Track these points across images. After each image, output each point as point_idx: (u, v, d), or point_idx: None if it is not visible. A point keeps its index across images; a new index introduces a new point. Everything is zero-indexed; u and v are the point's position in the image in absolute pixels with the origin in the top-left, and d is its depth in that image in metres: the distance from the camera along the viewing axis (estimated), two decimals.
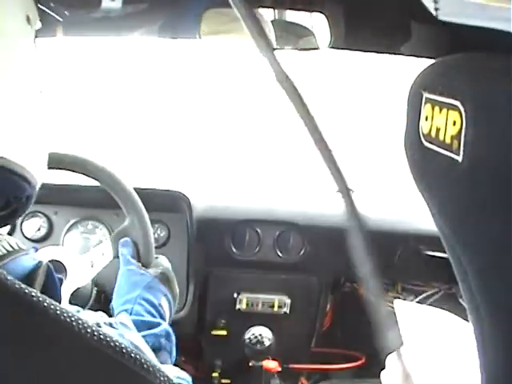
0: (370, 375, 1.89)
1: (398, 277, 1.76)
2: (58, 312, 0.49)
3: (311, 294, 1.76)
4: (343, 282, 1.84)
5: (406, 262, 1.66)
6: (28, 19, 0.64)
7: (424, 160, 0.51)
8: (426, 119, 0.49)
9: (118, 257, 1.24)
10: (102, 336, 0.50)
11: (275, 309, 1.74)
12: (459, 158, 0.46)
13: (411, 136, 0.51)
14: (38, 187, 0.65)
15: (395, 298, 1.76)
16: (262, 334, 1.60)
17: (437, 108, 0.48)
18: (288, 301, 1.73)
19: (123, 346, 0.51)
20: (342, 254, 1.75)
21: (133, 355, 0.51)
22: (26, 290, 0.49)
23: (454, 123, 0.46)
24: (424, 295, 1.68)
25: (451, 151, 0.47)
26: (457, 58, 0.50)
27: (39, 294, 0.50)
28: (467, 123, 0.45)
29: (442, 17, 0.96)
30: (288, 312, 1.74)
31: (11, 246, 0.63)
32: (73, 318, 0.49)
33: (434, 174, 0.50)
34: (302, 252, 1.70)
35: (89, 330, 0.49)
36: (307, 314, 1.78)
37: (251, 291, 1.74)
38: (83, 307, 1.35)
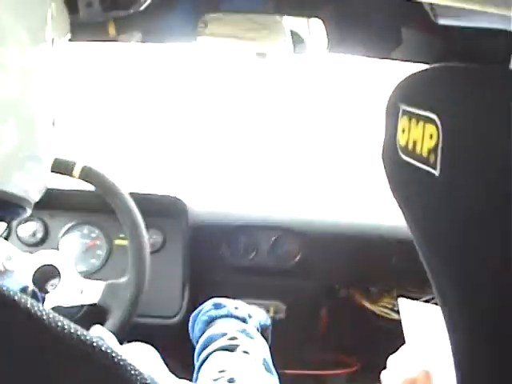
0: (366, 380, 1.89)
1: (394, 283, 1.76)
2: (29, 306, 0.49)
3: (307, 300, 1.75)
4: (338, 288, 1.83)
5: (402, 268, 1.66)
6: (52, 41, 0.64)
7: (401, 173, 0.50)
8: (403, 132, 0.49)
9: (101, 305, 1.27)
10: (72, 330, 0.50)
11: (271, 314, 1.73)
12: (436, 172, 0.46)
13: (388, 148, 0.51)
14: (32, 205, 0.66)
15: (390, 303, 1.76)
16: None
17: (413, 120, 0.48)
18: (283, 307, 1.73)
19: (93, 339, 0.51)
20: (337, 260, 1.76)
21: (103, 348, 0.51)
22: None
23: (431, 136, 0.46)
24: (419, 301, 1.68)
25: (428, 165, 0.46)
26: (435, 69, 0.49)
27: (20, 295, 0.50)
28: (443, 137, 0.45)
29: (441, 20, 0.96)
30: (283, 318, 1.74)
31: None
32: (44, 312, 0.50)
33: (411, 187, 0.50)
34: (297, 258, 1.70)
35: (56, 320, 0.50)
36: (303, 320, 1.78)
37: (246, 297, 1.73)
38: (76, 314, 1.36)
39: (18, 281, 0.66)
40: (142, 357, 0.57)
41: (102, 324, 1.24)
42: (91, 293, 1.29)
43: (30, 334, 0.50)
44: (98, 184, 1.34)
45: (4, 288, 0.50)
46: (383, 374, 0.89)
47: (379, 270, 1.70)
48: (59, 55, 0.66)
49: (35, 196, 0.66)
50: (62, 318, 0.51)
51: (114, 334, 1.19)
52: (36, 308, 0.50)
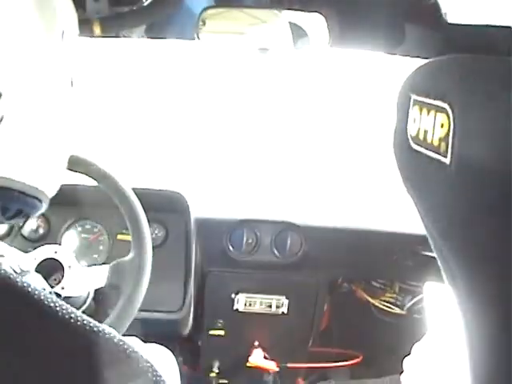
0: (368, 374, 1.90)
1: (396, 277, 1.77)
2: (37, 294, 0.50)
3: (309, 295, 1.76)
4: (341, 282, 1.84)
5: (404, 262, 1.66)
6: (62, 34, 0.63)
7: (412, 162, 0.50)
8: (414, 121, 0.49)
9: (110, 286, 1.26)
10: (85, 321, 0.51)
11: (273, 309, 1.74)
12: (447, 161, 0.46)
13: (399, 138, 0.51)
14: (49, 200, 0.66)
15: (392, 298, 1.77)
16: None
17: (424, 110, 0.48)
18: (286, 301, 1.74)
19: (101, 327, 0.52)
20: (339, 255, 1.77)
21: (110, 336, 0.52)
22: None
23: (442, 125, 0.46)
24: (421, 296, 1.68)
25: (439, 154, 0.46)
26: (445, 59, 0.49)
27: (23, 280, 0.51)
28: (455, 125, 0.45)
29: (451, 19, 0.96)
30: (286, 312, 1.74)
31: None
32: (57, 304, 0.51)
33: (422, 177, 0.50)
34: (299, 252, 1.70)
35: (69, 311, 0.51)
36: (305, 314, 1.78)
37: (249, 291, 1.74)
38: (80, 307, 1.36)
39: None
40: (156, 359, 0.58)
41: (114, 304, 1.24)
42: (97, 277, 1.29)
43: (41, 324, 0.51)
44: (87, 171, 1.33)
45: (17, 280, 0.51)
46: (406, 361, 0.89)
47: (381, 264, 1.71)
48: (70, 48, 0.66)
49: (52, 188, 0.66)
50: (72, 308, 0.52)
51: (127, 310, 1.20)
52: (49, 299, 0.51)
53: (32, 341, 0.49)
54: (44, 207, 0.65)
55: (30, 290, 0.52)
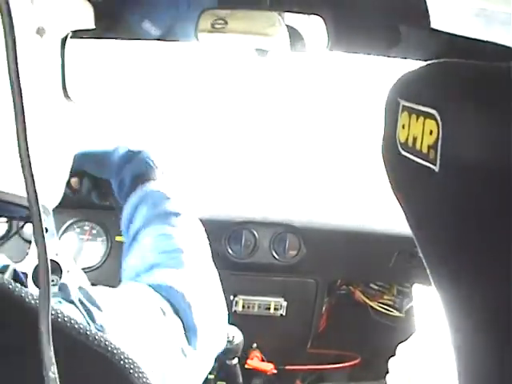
0: (366, 377, 1.90)
1: (394, 279, 1.76)
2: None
3: (307, 296, 1.75)
4: (339, 284, 1.84)
5: (402, 265, 1.66)
6: (39, 30, 0.63)
7: (401, 169, 0.50)
8: (403, 127, 0.49)
9: None
10: (88, 332, 0.51)
11: (271, 311, 1.74)
12: (436, 168, 0.45)
13: (388, 144, 0.51)
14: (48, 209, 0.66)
15: (390, 300, 1.77)
16: (229, 332, 1.56)
17: (413, 116, 0.48)
18: (284, 303, 1.74)
19: (98, 333, 0.52)
20: (338, 257, 1.76)
21: (107, 343, 0.52)
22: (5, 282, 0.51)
23: (431, 132, 0.46)
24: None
25: (428, 161, 0.46)
26: (435, 65, 0.49)
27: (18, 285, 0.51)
28: (443, 132, 0.45)
29: (434, 25, 0.96)
30: (284, 314, 1.74)
31: None
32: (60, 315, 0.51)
33: (411, 183, 0.50)
34: (298, 254, 1.70)
35: (72, 322, 0.51)
36: (303, 316, 1.78)
37: (247, 293, 1.74)
38: None
39: None
40: None
41: None
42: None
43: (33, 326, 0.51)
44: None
45: (11, 285, 0.51)
46: (391, 361, 0.89)
47: (380, 266, 1.70)
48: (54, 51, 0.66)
49: (52, 200, 0.66)
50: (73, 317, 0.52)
51: None
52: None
53: (18, 339, 0.49)
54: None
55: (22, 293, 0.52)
